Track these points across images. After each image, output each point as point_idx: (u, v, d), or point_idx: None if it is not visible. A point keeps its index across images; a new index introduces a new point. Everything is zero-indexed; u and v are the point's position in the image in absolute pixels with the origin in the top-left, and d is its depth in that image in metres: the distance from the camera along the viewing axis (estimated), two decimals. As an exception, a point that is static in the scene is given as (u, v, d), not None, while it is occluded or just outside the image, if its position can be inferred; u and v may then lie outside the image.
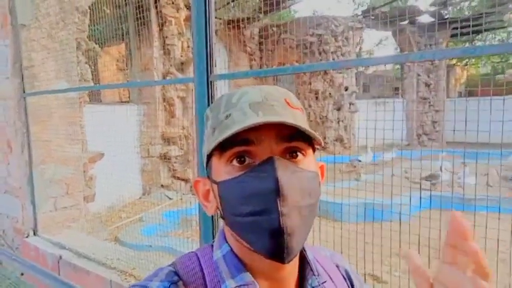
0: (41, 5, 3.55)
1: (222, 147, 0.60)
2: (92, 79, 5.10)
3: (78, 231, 3.78)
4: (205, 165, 0.67)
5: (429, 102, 13.50)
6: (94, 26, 5.85)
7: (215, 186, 0.63)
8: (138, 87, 6.86)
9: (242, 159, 0.60)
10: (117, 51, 8.51)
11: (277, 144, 0.60)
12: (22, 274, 3.26)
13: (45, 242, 3.46)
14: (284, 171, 0.57)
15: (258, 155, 0.60)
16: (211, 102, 2.04)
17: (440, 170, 6.41)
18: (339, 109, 11.55)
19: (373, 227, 2.76)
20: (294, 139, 0.60)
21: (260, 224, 0.57)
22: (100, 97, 8.18)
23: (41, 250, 3.36)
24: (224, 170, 0.61)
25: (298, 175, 0.59)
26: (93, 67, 5.35)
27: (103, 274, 2.71)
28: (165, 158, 6.89)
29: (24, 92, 3.52)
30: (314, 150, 0.67)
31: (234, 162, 0.60)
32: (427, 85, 13.52)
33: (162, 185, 6.80)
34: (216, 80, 2.04)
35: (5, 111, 3.70)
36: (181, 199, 6.42)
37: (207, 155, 0.65)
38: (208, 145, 0.63)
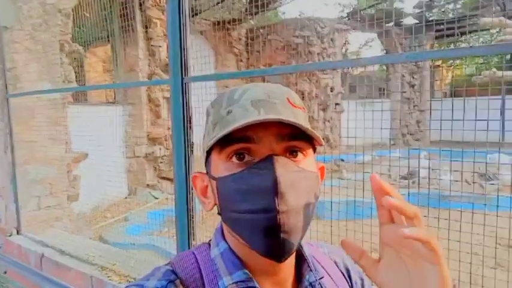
0: (23, 7, 3.60)
1: (221, 143, 0.59)
2: (77, 80, 5.15)
3: (61, 230, 3.83)
4: (204, 161, 0.67)
5: (413, 103, 13.75)
6: (79, 27, 5.89)
7: (213, 182, 0.63)
8: (117, 88, 6.91)
9: (242, 156, 0.60)
10: (104, 52, 8.53)
11: (278, 143, 0.59)
12: (5, 272, 3.30)
13: (28, 241, 3.51)
14: (283, 170, 0.57)
15: (257, 153, 0.59)
16: (187, 104, 2.13)
17: (419, 168, 6.58)
18: (324, 109, 11.71)
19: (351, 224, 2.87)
20: (294, 138, 0.60)
21: (257, 222, 0.56)
22: (86, 97, 8.20)
23: (23, 248, 3.41)
24: (223, 166, 0.61)
25: (297, 174, 0.59)
26: (78, 68, 5.40)
27: (84, 270, 2.78)
28: (150, 158, 6.95)
29: (7, 93, 3.57)
30: (315, 150, 0.66)
31: (234, 158, 0.60)
32: (412, 86, 13.77)
33: (147, 185, 6.85)
34: (191, 82, 2.12)
35: (-13, 112, 3.75)
36: (166, 199, 6.49)
37: (206, 151, 0.65)
38: (208, 140, 0.62)
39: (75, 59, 4.98)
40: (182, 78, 2.10)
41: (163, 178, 7.11)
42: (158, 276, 0.63)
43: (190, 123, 2.14)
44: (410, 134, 13.80)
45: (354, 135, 2.62)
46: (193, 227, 2.22)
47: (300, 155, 0.61)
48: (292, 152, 0.61)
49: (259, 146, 0.59)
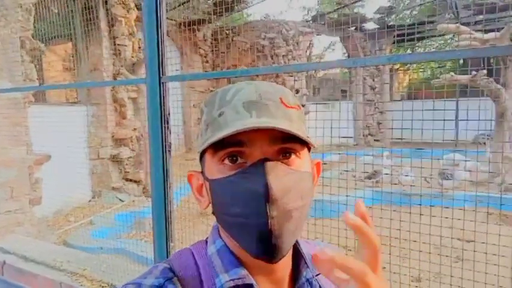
0: (-20, 0, 3.40)
1: (214, 146, 0.60)
2: (37, 78, 4.90)
3: (23, 236, 3.64)
4: (199, 160, 0.68)
5: (374, 105, 14.24)
6: (38, 23, 5.63)
7: (207, 183, 0.64)
8: (89, 87, 6.65)
9: (234, 158, 0.60)
10: (64, 50, 8.20)
11: (270, 146, 0.59)
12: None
13: (-13, 248, 3.31)
14: (275, 174, 0.57)
15: (250, 156, 0.59)
16: (164, 103, 2.10)
17: (383, 168, 6.84)
18: (290, 111, 11.87)
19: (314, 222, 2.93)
20: (287, 140, 0.59)
21: (249, 226, 0.57)
22: (45, 97, 7.84)
23: (-18, 256, 3.21)
24: (216, 168, 0.61)
25: (289, 177, 0.58)
26: (36, 66, 5.15)
27: (52, 276, 2.66)
28: (116, 159, 6.74)
29: (-38, 91, 3.35)
30: (309, 149, 0.66)
31: (226, 161, 0.60)
32: (372, 88, 14.26)
33: (113, 188, 6.64)
34: (168, 81, 2.10)
35: None
36: (133, 201, 6.32)
37: (200, 151, 0.65)
38: (202, 141, 0.63)
39: (34, 56, 4.74)
40: (159, 78, 2.07)
41: (129, 180, 6.93)
42: (156, 274, 0.63)
43: (167, 123, 2.11)
44: (371, 135, 14.29)
45: (318, 136, 2.68)
46: (171, 229, 2.19)
47: (293, 156, 0.61)
48: (285, 154, 0.61)
49: (252, 149, 0.59)
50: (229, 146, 0.58)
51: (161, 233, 2.18)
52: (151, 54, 2.06)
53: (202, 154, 0.65)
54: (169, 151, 2.14)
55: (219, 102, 0.62)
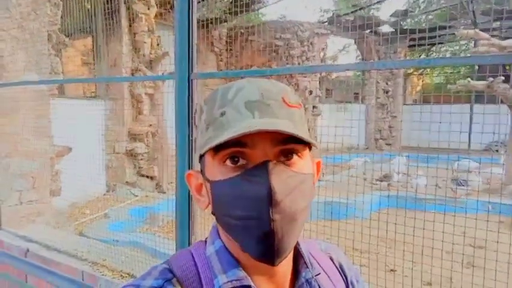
0: (11, -6, 3.50)
1: (215, 147, 0.59)
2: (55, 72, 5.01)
3: (43, 225, 3.74)
4: (198, 160, 0.67)
5: (387, 108, 14.19)
6: (61, 18, 5.74)
7: (208, 184, 0.63)
8: (115, 82, 6.75)
9: (236, 159, 0.59)
10: (83, 45, 8.33)
11: (272, 147, 0.58)
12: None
13: (10, 236, 3.40)
14: (278, 177, 0.56)
15: (252, 157, 0.58)
16: (192, 100, 2.15)
17: (397, 172, 6.83)
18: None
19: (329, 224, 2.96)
20: (289, 141, 0.59)
21: (251, 228, 0.57)
22: (63, 90, 7.98)
23: (6, 243, 3.30)
24: (218, 169, 0.60)
25: (292, 180, 0.58)
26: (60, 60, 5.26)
27: (74, 265, 2.73)
28: (131, 154, 6.85)
29: (-9, 82, 3.45)
30: (310, 149, 0.65)
31: (228, 162, 0.59)
32: (386, 92, 14.21)
33: (127, 182, 6.75)
34: (197, 78, 2.15)
35: (-31, 102, 3.61)
36: (146, 196, 6.41)
37: (200, 152, 0.64)
38: (202, 141, 0.62)
39: (59, 50, 4.85)
40: (189, 74, 2.12)
41: (143, 175, 7.03)
42: (155, 275, 0.63)
43: (194, 119, 2.17)
44: (383, 139, 14.24)
45: (329, 138, 2.69)
46: (193, 222, 2.24)
47: (295, 157, 0.61)
48: (287, 155, 0.60)
49: (254, 151, 0.58)
50: (230, 146, 0.58)
51: (184, 228, 2.23)
52: (182, 51, 2.10)
53: (201, 154, 0.65)
54: (195, 148, 2.20)
55: (220, 101, 0.61)
